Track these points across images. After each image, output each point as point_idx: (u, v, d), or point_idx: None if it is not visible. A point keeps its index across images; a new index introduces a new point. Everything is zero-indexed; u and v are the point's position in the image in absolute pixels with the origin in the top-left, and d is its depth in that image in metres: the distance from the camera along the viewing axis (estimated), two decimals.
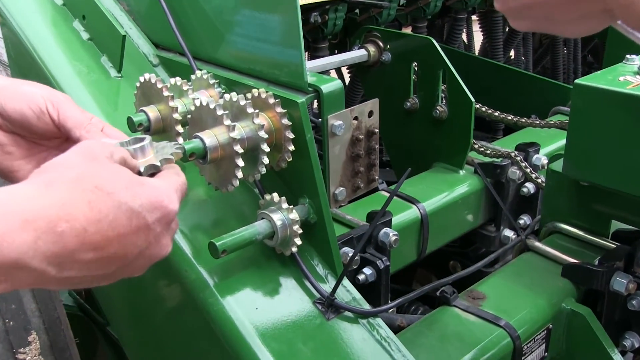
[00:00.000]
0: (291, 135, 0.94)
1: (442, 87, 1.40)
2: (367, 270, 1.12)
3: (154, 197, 0.69)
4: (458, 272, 1.15)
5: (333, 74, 2.12)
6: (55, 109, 0.86)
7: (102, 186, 0.65)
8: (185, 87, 1.04)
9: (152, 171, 0.78)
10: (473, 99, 1.35)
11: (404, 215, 1.29)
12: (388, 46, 1.47)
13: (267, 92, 0.95)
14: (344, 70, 2.12)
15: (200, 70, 1.08)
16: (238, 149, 0.89)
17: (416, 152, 1.52)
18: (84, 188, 0.64)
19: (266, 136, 0.92)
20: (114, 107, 1.18)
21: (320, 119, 1.03)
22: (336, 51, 1.92)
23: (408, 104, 1.47)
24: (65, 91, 1.19)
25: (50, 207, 0.61)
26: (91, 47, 1.29)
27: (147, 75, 1.03)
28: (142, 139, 0.80)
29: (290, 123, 0.94)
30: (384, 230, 1.16)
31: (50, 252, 0.60)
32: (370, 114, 1.05)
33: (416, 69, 1.45)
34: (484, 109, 1.48)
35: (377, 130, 1.06)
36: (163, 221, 0.70)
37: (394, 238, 1.15)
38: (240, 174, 0.90)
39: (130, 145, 0.79)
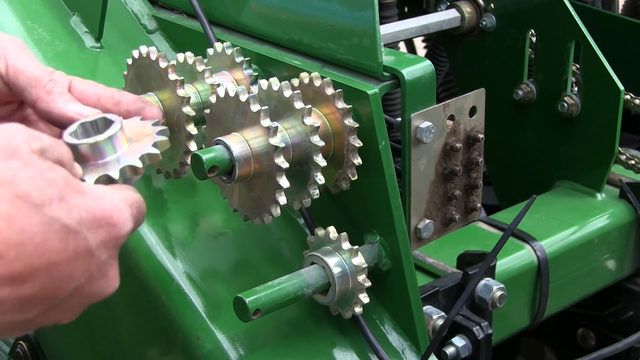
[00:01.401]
0: (358, 143, 0.95)
1: (574, 68, 1.41)
2: (459, 341, 1.13)
3: (99, 211, 0.70)
4: (599, 351, 1.15)
5: (401, 47, 2.14)
6: (2, 60, 0.88)
7: (27, 196, 0.65)
8: (199, 67, 1.06)
9: (108, 183, 0.78)
10: (622, 87, 1.35)
11: (513, 259, 1.30)
12: (492, 5, 1.48)
13: (322, 77, 0.97)
14: (418, 42, 2.13)
15: (222, 41, 1.10)
16: (281, 161, 0.91)
17: (530, 165, 1.52)
18: (1, 197, 0.64)
19: (322, 143, 0.93)
20: None
21: (398, 119, 1.04)
22: (406, 10, 1.93)
23: (520, 92, 1.47)
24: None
25: None
26: (56, 2, 1.32)
27: (143, 49, 1.05)
28: (110, 122, 0.80)
29: (356, 125, 0.95)
30: (484, 281, 1.17)
31: None
32: (473, 111, 1.06)
33: (533, 39, 1.45)
34: (637, 101, 1.47)
35: (481, 135, 1.06)
36: (110, 244, 0.71)
37: (498, 294, 1.16)
38: (283, 199, 0.92)
39: (92, 134, 0.79)
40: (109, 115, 0.83)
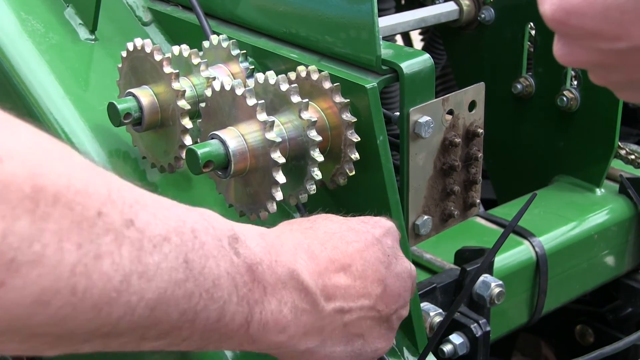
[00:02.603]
0: (355, 138, 0.95)
1: None
2: (457, 339, 1.13)
3: (372, 219, 0.91)
4: (600, 350, 1.14)
5: (398, 40, 2.13)
6: None
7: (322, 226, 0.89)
8: (195, 60, 1.05)
9: None
10: None
11: (511, 255, 1.30)
12: None
13: (319, 71, 0.96)
14: (414, 35, 2.12)
15: (218, 34, 1.09)
16: (277, 156, 0.90)
17: (529, 159, 1.52)
18: (383, 252, 0.89)
19: (319, 138, 0.92)
20: (84, 86, 1.20)
21: (396, 114, 1.03)
22: (403, 2, 1.92)
23: (519, 86, 1.47)
24: (9, 59, 1.21)
25: (292, 239, 0.83)
26: None
27: (138, 41, 1.04)
28: None
29: (354, 119, 0.95)
30: (482, 278, 1.16)
31: (312, 269, 0.81)
32: (472, 105, 1.05)
33: (533, 32, 1.44)
34: None
35: (481, 130, 1.06)
36: (390, 237, 0.90)
37: (497, 291, 1.15)
38: (279, 194, 0.91)
39: None
40: None
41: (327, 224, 0.88)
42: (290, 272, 0.78)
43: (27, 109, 1.16)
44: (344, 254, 0.85)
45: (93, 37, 1.25)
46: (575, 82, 1.41)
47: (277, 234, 0.83)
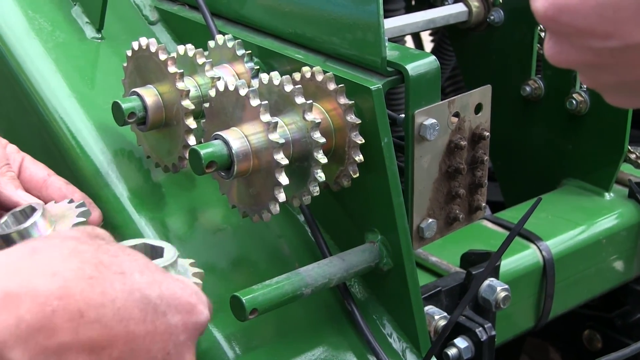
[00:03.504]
0: (360, 140, 0.94)
1: None
2: (462, 343, 1.12)
3: (179, 292, 0.72)
4: (608, 356, 1.14)
5: (408, 41, 2.13)
6: None
7: (109, 263, 0.68)
8: (200, 60, 1.05)
9: None
10: None
11: (518, 259, 1.29)
12: None
13: (324, 72, 0.96)
14: (425, 36, 2.11)
15: (224, 34, 1.09)
16: (280, 158, 0.89)
17: (537, 162, 1.51)
18: (84, 260, 0.66)
19: (323, 140, 0.92)
20: (90, 84, 1.20)
21: (401, 116, 1.02)
22: (413, 3, 1.92)
23: (527, 88, 1.46)
24: (16, 57, 1.21)
25: (37, 278, 0.63)
26: None
27: (143, 40, 1.04)
28: (160, 249, 0.84)
29: (358, 121, 0.94)
30: (488, 282, 1.16)
31: (34, 343, 0.61)
32: (479, 108, 1.05)
33: (542, 34, 1.44)
34: None
35: (487, 133, 1.05)
36: (190, 328, 0.72)
37: (502, 295, 1.15)
38: (282, 196, 0.91)
39: (22, 221, 0.88)
40: (34, 203, 0.92)
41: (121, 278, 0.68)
42: None
43: (32, 107, 1.16)
44: (104, 331, 0.65)
45: (99, 35, 1.25)
46: (585, 85, 1.40)
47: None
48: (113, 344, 0.65)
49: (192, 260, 0.88)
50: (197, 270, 0.86)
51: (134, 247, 0.84)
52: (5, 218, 0.91)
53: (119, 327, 0.65)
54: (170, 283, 0.72)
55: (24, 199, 0.96)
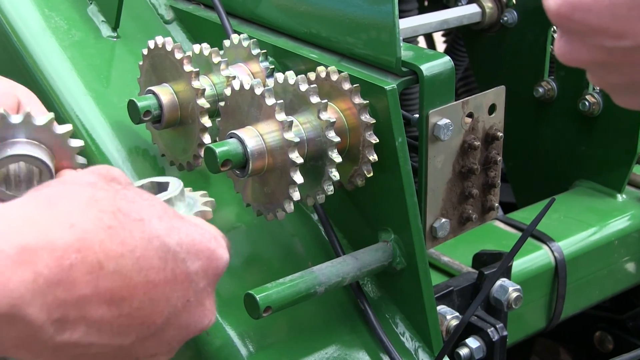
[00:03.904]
0: (374, 139, 0.95)
1: None
2: (473, 343, 1.12)
3: (198, 238, 0.71)
4: (619, 357, 1.14)
5: (421, 42, 2.12)
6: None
7: (128, 210, 0.66)
8: (215, 59, 1.05)
9: None
10: None
11: (530, 260, 1.29)
12: (513, 0, 1.46)
13: (339, 71, 0.96)
14: (437, 37, 2.11)
15: (239, 33, 1.10)
16: (295, 157, 0.90)
17: (549, 163, 1.51)
18: (102, 209, 0.65)
19: (337, 139, 0.92)
20: (105, 83, 1.21)
21: (415, 116, 1.03)
22: (426, 4, 1.92)
23: (540, 90, 1.46)
24: (32, 55, 1.22)
25: (54, 230, 0.61)
26: None
27: (159, 39, 1.04)
28: (166, 184, 0.84)
29: (373, 120, 0.95)
30: (500, 282, 1.16)
31: (53, 297, 0.60)
32: (492, 108, 1.05)
33: (555, 36, 1.43)
34: None
35: (500, 133, 1.05)
36: (210, 274, 0.71)
37: (514, 295, 1.15)
38: (297, 194, 0.91)
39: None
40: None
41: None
42: None
43: (48, 104, 1.16)
44: (124, 282, 0.64)
45: (115, 34, 1.26)
46: (598, 87, 1.40)
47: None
48: (133, 295, 0.65)
49: (203, 192, 0.87)
50: (207, 199, 0.86)
51: (142, 187, 0.83)
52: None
53: (138, 277, 0.65)
54: (189, 229, 0.70)
55: None
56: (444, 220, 1.05)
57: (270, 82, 0.98)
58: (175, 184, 0.84)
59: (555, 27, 1.42)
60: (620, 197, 1.42)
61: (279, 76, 0.96)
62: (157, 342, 0.70)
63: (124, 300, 0.64)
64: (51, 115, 0.86)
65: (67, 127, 0.87)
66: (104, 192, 0.67)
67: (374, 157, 0.95)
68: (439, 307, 1.09)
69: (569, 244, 1.32)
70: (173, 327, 0.70)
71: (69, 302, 0.61)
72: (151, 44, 1.06)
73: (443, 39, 2.04)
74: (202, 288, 0.71)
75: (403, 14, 1.65)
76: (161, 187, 0.85)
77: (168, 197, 0.81)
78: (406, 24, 1.37)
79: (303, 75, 0.95)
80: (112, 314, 0.64)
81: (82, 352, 0.65)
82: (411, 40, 1.63)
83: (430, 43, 2.16)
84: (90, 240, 0.62)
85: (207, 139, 1.01)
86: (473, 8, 1.48)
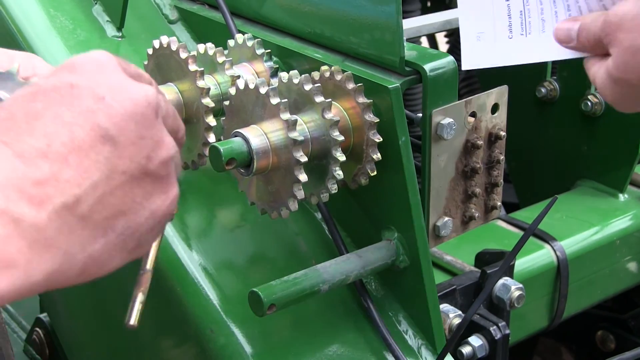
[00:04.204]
0: (378, 138, 0.95)
1: None
2: (476, 341, 1.13)
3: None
4: (621, 356, 1.14)
5: (423, 42, 2.13)
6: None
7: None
8: (220, 59, 1.06)
9: None
10: None
11: (532, 259, 1.30)
12: None
13: (343, 71, 0.96)
14: (440, 37, 2.12)
15: (243, 33, 1.10)
16: (300, 155, 0.90)
17: (551, 163, 1.51)
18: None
19: (341, 138, 0.93)
20: None
21: (419, 115, 1.03)
22: (429, 4, 1.93)
23: (543, 90, 1.46)
24: (40, 55, 1.23)
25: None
26: None
27: (164, 39, 1.05)
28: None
29: (376, 120, 0.95)
30: (502, 281, 1.16)
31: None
32: (495, 108, 1.05)
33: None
34: None
35: (503, 133, 1.06)
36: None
37: (517, 294, 1.15)
38: (301, 193, 0.92)
39: None
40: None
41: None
42: None
43: None
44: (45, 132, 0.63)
45: (120, 34, 1.26)
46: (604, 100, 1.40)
47: None
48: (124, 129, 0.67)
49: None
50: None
51: None
52: None
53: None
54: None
55: None
56: (447, 219, 1.05)
57: (274, 82, 0.99)
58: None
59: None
60: (622, 197, 1.43)
61: (284, 75, 0.96)
62: (127, 150, 0.67)
63: (50, 146, 0.64)
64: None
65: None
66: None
67: (377, 156, 0.96)
68: (441, 306, 1.10)
69: (571, 244, 1.33)
70: (115, 129, 0.66)
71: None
72: (156, 43, 1.06)
73: (446, 39, 2.05)
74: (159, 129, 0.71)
75: (406, 14, 1.66)
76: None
77: None
78: (409, 24, 1.37)
79: (307, 75, 0.95)
80: (55, 168, 0.63)
81: (82, 211, 0.63)
82: (414, 40, 1.63)
83: (433, 43, 2.16)
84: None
85: (211, 137, 1.02)
86: None
